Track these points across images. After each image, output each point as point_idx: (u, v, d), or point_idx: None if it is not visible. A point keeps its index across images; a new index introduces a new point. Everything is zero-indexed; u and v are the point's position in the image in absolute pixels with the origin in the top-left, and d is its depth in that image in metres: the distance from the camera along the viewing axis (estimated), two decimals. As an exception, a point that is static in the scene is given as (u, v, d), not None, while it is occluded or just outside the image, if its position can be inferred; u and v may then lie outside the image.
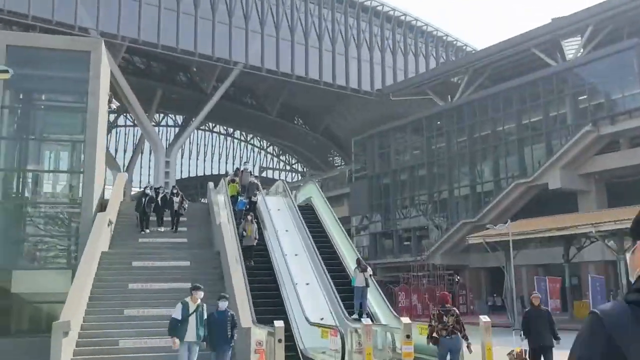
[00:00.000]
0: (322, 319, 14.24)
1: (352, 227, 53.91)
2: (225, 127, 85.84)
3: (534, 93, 39.80)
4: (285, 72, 47.30)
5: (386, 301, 15.84)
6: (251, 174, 22.67)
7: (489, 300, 41.82)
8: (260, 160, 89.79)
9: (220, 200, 21.07)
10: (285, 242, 17.34)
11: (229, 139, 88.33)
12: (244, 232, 16.80)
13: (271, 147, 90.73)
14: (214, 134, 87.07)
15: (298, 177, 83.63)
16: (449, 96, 48.53)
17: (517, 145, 40.25)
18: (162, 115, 77.15)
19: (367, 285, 15.01)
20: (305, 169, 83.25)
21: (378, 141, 50.30)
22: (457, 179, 43.81)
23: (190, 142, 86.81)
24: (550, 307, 24.08)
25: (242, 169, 23.74)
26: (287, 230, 18.37)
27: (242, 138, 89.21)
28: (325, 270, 15.82)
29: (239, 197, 20.09)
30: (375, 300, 16.05)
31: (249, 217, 17.29)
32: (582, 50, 39.48)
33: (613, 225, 21.38)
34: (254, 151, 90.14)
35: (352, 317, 14.22)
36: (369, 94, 49.97)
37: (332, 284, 15.15)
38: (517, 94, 40.49)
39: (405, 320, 10.28)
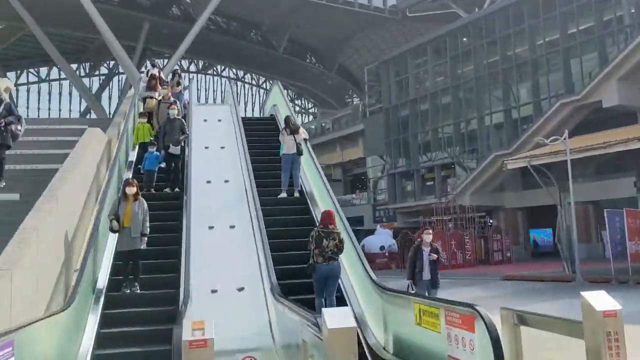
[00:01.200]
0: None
1: (368, 170, 47.04)
2: (234, 71, 78.93)
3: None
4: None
5: (331, 193, 9.82)
6: (177, 103, 12.42)
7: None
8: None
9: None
10: (211, 168, 10.56)
11: (239, 83, 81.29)
12: (113, 223, 7.90)
13: (285, 92, 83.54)
14: (224, 79, 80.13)
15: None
16: (476, 9, 40.51)
17: (561, 56, 32.42)
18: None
19: (299, 152, 10.85)
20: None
21: (394, 68, 42.75)
22: (488, 104, 36.27)
23: (197, 89, 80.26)
24: (630, 251, 17.04)
25: (165, 84, 13.94)
26: (222, 148, 11.61)
27: (254, 82, 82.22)
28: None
29: (149, 148, 11.01)
30: (314, 183, 10.89)
31: (129, 190, 8.03)
32: None
33: None
34: (267, 96, 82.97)
35: (279, 196, 10.65)
36: (381, 11, 42.09)
37: (267, 251, 8.22)
38: (559, -6, 32.40)
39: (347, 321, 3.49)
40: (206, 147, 11.36)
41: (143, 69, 48.80)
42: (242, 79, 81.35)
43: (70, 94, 69.84)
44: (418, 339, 5.57)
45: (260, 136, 12.71)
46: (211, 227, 8.51)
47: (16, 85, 63.04)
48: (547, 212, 38.28)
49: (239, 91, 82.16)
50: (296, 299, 6.27)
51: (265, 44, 62.99)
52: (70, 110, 69.38)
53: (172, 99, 12.65)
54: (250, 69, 74.07)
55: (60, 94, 70.57)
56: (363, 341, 6.58)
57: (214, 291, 7.09)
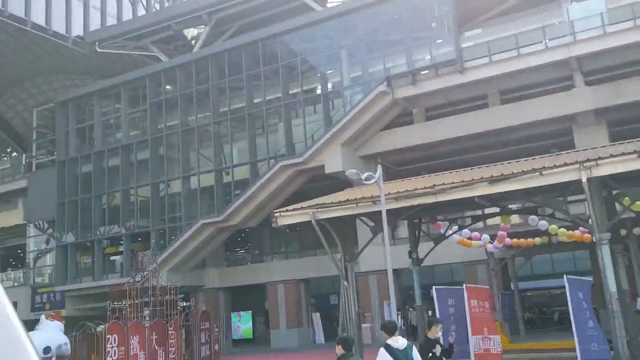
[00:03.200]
0: None
1: (28, 240, 35.28)
2: None
3: (303, 45, 28.50)
4: None
5: None
6: None
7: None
8: None
9: None
10: None
11: None
12: None
13: None
14: None
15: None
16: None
17: (283, 114, 28.21)
18: None
19: None
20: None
21: (75, 111, 33.34)
22: (196, 164, 29.81)
23: None
24: (476, 350, 11.77)
25: None
26: None
27: None
28: None
29: None
30: None
31: None
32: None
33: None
34: None
35: None
36: (63, 39, 32.60)
37: None
38: (281, 45, 28.61)
39: None
40: None
41: None
42: None
43: None
44: None
45: None
46: None
47: None
48: (249, 292, 33.06)
49: None
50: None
51: None
52: None
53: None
54: None
55: None
56: None
57: None
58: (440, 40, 25.85)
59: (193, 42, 34.58)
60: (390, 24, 26.55)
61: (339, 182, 27.40)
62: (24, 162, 37.13)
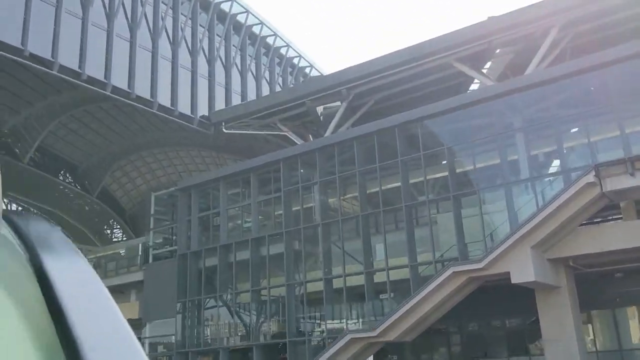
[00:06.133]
0: None
1: (144, 340, 30.76)
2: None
3: (472, 123, 23.18)
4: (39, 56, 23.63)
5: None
6: None
7: None
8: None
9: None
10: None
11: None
12: None
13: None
14: None
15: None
16: (311, 136, 30.10)
17: (452, 208, 22.61)
18: None
19: None
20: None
21: (197, 198, 29.14)
22: (341, 261, 24.53)
23: None
24: None
25: None
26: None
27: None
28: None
29: None
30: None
31: None
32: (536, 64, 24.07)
33: None
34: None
35: None
36: (188, 120, 28.83)
37: None
38: (444, 125, 23.44)
39: None
40: None
41: None
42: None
43: None
44: None
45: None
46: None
47: None
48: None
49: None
50: None
51: (6, 150, 44.31)
52: None
53: None
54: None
55: None
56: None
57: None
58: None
59: (321, 117, 30.21)
60: (592, 97, 20.88)
61: (507, 283, 21.36)
62: (140, 252, 33.12)
